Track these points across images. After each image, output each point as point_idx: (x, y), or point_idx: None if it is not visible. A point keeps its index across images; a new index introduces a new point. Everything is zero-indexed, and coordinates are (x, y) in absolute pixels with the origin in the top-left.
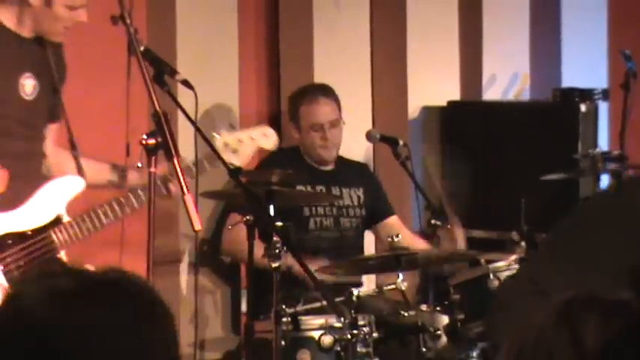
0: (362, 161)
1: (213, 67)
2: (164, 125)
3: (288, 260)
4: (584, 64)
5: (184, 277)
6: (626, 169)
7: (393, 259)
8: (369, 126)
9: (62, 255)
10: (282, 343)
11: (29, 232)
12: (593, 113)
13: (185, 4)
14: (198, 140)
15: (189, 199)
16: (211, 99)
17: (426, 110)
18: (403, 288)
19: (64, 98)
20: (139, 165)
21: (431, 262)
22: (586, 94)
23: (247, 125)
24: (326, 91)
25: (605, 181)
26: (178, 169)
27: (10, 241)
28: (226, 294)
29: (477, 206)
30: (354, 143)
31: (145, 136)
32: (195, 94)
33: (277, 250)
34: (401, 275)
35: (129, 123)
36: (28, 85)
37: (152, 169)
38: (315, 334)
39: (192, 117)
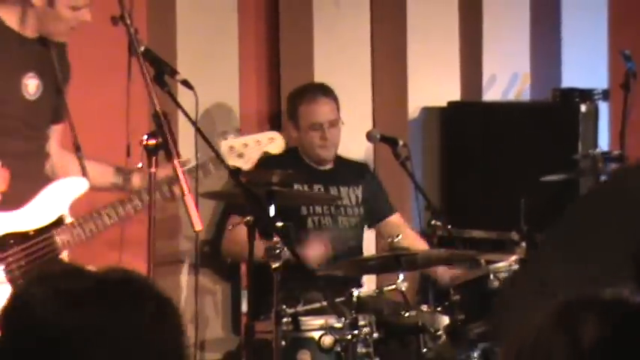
0: (362, 161)
1: (213, 68)
2: (164, 125)
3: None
4: (584, 65)
5: (185, 277)
6: None
7: (393, 260)
8: (369, 126)
9: (64, 256)
10: (283, 343)
11: (31, 232)
12: (594, 113)
13: (185, 5)
14: (198, 140)
15: (189, 199)
16: (211, 99)
17: (426, 110)
18: (403, 288)
19: (66, 98)
20: (140, 165)
21: (431, 262)
22: (586, 95)
23: (248, 125)
24: (325, 91)
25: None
26: (178, 170)
27: (11, 241)
28: (227, 294)
29: (476, 206)
30: (354, 143)
31: (145, 137)
32: (196, 95)
33: (277, 251)
34: (401, 276)
35: (129, 123)
36: (31, 85)
37: (152, 170)
38: (316, 335)
39: (193, 117)
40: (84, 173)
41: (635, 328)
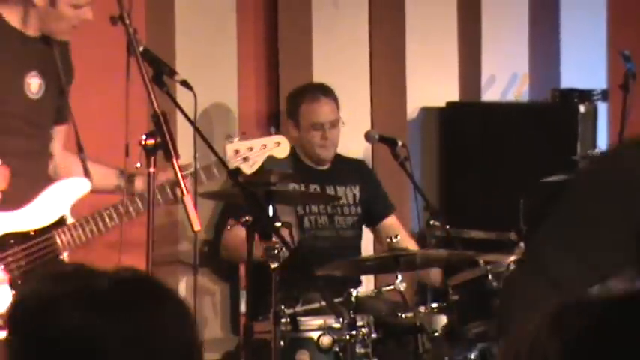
0: (360, 159)
1: (211, 68)
2: (163, 126)
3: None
4: (583, 65)
5: (183, 277)
6: None
7: (391, 260)
8: (367, 127)
9: (65, 256)
10: (281, 343)
11: (32, 233)
12: (592, 114)
13: (184, 5)
14: (197, 141)
15: (188, 199)
16: (210, 99)
17: (425, 111)
18: (402, 289)
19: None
20: (138, 165)
21: (430, 262)
22: (585, 95)
23: (246, 125)
24: (326, 91)
25: None
26: (177, 170)
27: (12, 241)
28: (225, 295)
29: (475, 207)
30: (353, 144)
31: (144, 137)
32: (195, 95)
33: (276, 251)
34: (400, 276)
35: (128, 123)
36: (33, 84)
37: (151, 170)
38: (314, 335)
39: (192, 117)
40: (87, 175)
41: (616, 328)
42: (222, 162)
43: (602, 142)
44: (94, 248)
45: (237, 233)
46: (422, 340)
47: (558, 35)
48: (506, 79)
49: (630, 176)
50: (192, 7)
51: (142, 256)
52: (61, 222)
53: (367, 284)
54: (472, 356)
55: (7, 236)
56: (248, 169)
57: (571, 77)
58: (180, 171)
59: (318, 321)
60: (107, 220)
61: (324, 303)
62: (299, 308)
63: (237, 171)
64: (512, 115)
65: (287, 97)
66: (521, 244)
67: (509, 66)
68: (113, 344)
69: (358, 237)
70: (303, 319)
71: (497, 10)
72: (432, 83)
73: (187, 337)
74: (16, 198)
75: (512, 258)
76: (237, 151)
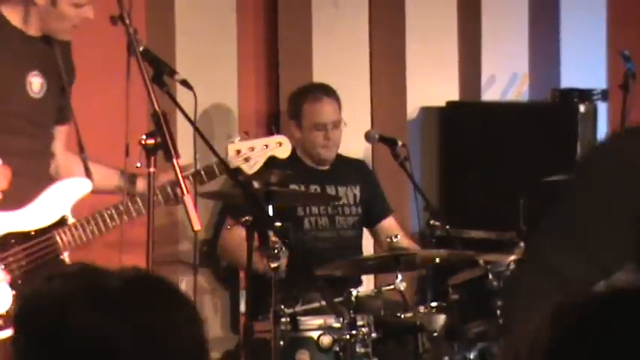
0: (360, 159)
1: (212, 68)
2: (163, 125)
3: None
4: (583, 65)
5: (183, 277)
6: None
7: (391, 260)
8: (367, 126)
9: (65, 257)
10: (281, 343)
11: (33, 232)
12: (592, 114)
13: (184, 5)
14: (197, 140)
15: (188, 199)
16: (210, 99)
17: (425, 111)
18: (402, 288)
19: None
20: (139, 165)
21: (430, 262)
22: (585, 95)
23: (246, 125)
24: (329, 91)
25: None
26: (177, 170)
27: (12, 241)
28: (225, 294)
29: (475, 207)
30: (353, 144)
31: (144, 137)
32: (195, 95)
33: (276, 251)
34: (400, 276)
35: (128, 123)
36: (35, 83)
37: (151, 169)
38: (314, 335)
39: (192, 117)
40: (88, 175)
41: (614, 325)
42: (222, 162)
43: None
44: (94, 248)
45: (234, 237)
46: (422, 340)
47: (558, 35)
48: (506, 79)
49: (630, 167)
50: (192, 7)
51: (143, 256)
52: (61, 222)
53: (367, 284)
54: (472, 356)
55: (8, 236)
56: (249, 169)
57: (571, 77)
58: (181, 171)
59: (318, 321)
60: (108, 220)
61: (324, 303)
62: (299, 308)
63: (237, 170)
64: (512, 115)
65: (289, 97)
66: (522, 244)
67: (509, 66)
68: (125, 344)
69: (359, 237)
70: (303, 318)
71: (498, 10)
72: (432, 83)
73: (198, 337)
74: (18, 197)
75: (513, 258)
76: (238, 151)
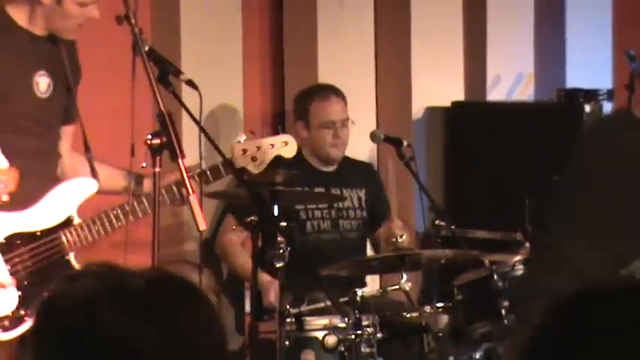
0: (367, 162)
1: (217, 68)
2: (169, 125)
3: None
4: (589, 65)
5: (189, 277)
6: None
7: (396, 260)
8: (373, 126)
9: (71, 257)
10: (286, 343)
11: (39, 233)
12: (598, 114)
13: (189, 5)
14: (202, 140)
15: (194, 199)
16: (215, 99)
17: (430, 111)
18: (407, 288)
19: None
20: (144, 165)
21: (435, 262)
22: (590, 95)
23: (251, 125)
24: (336, 91)
25: None
26: (183, 170)
27: (18, 241)
28: (230, 294)
29: (481, 207)
30: (358, 143)
31: (149, 136)
32: (200, 95)
33: (282, 250)
34: (405, 276)
35: (133, 123)
36: (42, 83)
37: (157, 169)
38: (319, 335)
39: (197, 117)
40: (94, 175)
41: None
42: (227, 161)
43: None
44: (99, 248)
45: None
46: (427, 340)
47: (564, 35)
48: (511, 79)
49: (632, 152)
50: (197, 7)
51: (148, 256)
52: (67, 222)
53: (372, 284)
54: (477, 356)
55: (14, 236)
56: (255, 169)
57: (576, 77)
58: (186, 171)
59: (323, 321)
60: (114, 220)
61: (329, 303)
62: (304, 308)
63: (243, 170)
64: (518, 115)
65: (295, 98)
66: (527, 244)
67: (514, 66)
68: (149, 344)
69: (363, 240)
70: (308, 318)
71: (503, 10)
72: (437, 83)
73: (220, 337)
74: (24, 198)
75: (518, 258)
76: (245, 151)
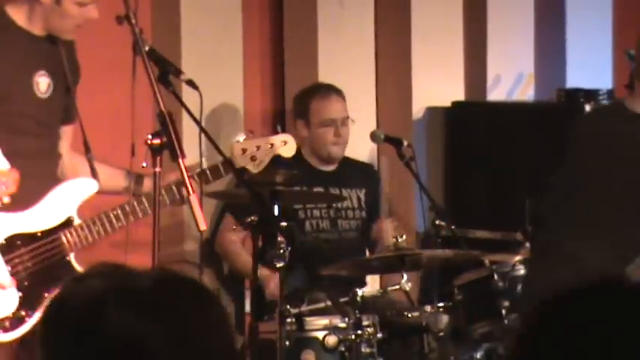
0: (368, 162)
1: (217, 67)
2: (169, 125)
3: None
4: (589, 65)
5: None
6: None
7: (397, 260)
8: (373, 126)
9: (71, 257)
10: (287, 343)
11: (39, 234)
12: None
13: (190, 4)
14: (202, 140)
15: (194, 199)
16: (216, 99)
17: (431, 111)
18: (407, 288)
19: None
20: (144, 165)
21: (435, 262)
22: (591, 95)
23: (251, 124)
24: (336, 90)
25: None
26: (183, 169)
27: (19, 242)
28: (230, 294)
29: (481, 207)
30: (359, 143)
31: (150, 136)
32: (200, 94)
33: (282, 250)
34: (405, 276)
35: (134, 123)
36: (42, 83)
37: (157, 169)
38: (320, 335)
39: (197, 117)
40: (94, 175)
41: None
42: (228, 161)
43: None
44: (99, 248)
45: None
46: (427, 340)
47: (564, 35)
48: (511, 79)
49: (630, 140)
50: (197, 7)
51: (148, 256)
52: (67, 223)
53: (372, 284)
54: (478, 356)
55: (14, 237)
56: (255, 168)
57: (577, 77)
58: (187, 171)
59: (323, 321)
60: (114, 220)
61: (329, 303)
62: (304, 308)
63: (243, 170)
64: (518, 115)
65: (294, 97)
66: (527, 244)
67: (514, 66)
68: (156, 344)
69: (362, 240)
70: (308, 318)
71: (503, 10)
72: (437, 83)
73: (229, 337)
74: (25, 198)
75: (518, 258)
76: (244, 150)
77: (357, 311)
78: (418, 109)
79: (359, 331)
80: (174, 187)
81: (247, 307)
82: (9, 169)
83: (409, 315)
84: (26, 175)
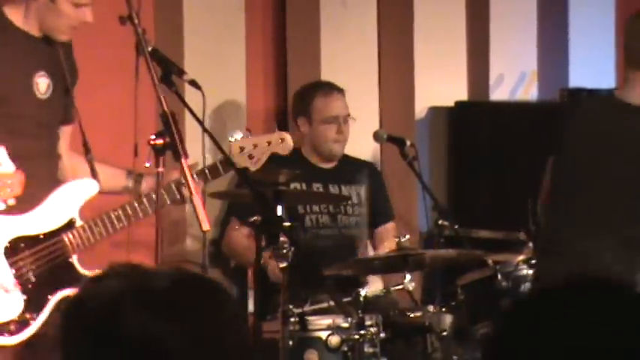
0: (369, 160)
1: (220, 67)
2: (172, 125)
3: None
4: (592, 64)
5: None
6: None
7: (400, 260)
8: (376, 126)
9: (74, 259)
10: (290, 343)
11: (42, 236)
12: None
13: (192, 4)
14: (205, 140)
15: (197, 199)
16: (219, 98)
17: (434, 110)
18: (410, 288)
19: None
20: (147, 165)
21: (438, 262)
22: (594, 94)
23: (254, 124)
24: (337, 87)
25: None
26: (186, 170)
27: (22, 245)
28: (233, 294)
29: (484, 206)
30: (362, 143)
31: (152, 136)
32: (203, 94)
33: (285, 250)
34: (408, 275)
35: (137, 123)
36: (42, 84)
37: (160, 169)
38: (323, 335)
39: (200, 117)
40: (94, 176)
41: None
42: (230, 161)
43: None
44: (101, 248)
45: (240, 236)
46: (430, 340)
47: (567, 34)
48: (514, 78)
49: (632, 134)
50: (200, 7)
51: (150, 256)
52: (69, 224)
53: (375, 284)
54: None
55: (18, 240)
56: (252, 166)
57: (579, 76)
58: (189, 170)
59: (326, 321)
60: (115, 221)
61: (332, 303)
62: (307, 308)
63: (246, 171)
64: (521, 114)
65: (295, 95)
66: (530, 243)
67: (517, 65)
68: (174, 343)
69: (362, 236)
70: (311, 318)
71: (506, 9)
72: (440, 82)
73: (245, 335)
74: (27, 200)
75: (522, 258)
76: (242, 149)
77: (360, 311)
78: (421, 109)
79: (362, 331)
80: (173, 187)
81: (250, 307)
82: (14, 171)
83: (412, 315)
84: (28, 177)
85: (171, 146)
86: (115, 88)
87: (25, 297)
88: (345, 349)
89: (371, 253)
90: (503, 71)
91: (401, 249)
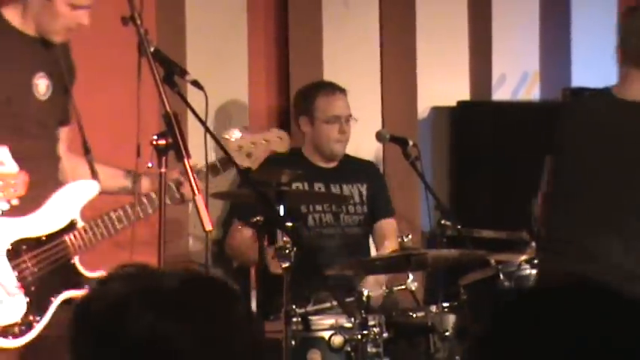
0: (369, 159)
1: (222, 67)
2: (174, 126)
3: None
4: (595, 64)
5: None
6: None
7: (402, 259)
8: (378, 126)
9: (76, 260)
10: (293, 343)
11: (43, 238)
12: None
13: (194, 5)
14: (208, 140)
15: (200, 199)
16: (221, 98)
17: (436, 110)
18: (413, 288)
19: (75, 99)
20: (150, 165)
21: (441, 262)
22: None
23: (257, 124)
24: (339, 87)
25: None
26: (189, 170)
27: (24, 247)
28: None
29: (486, 206)
30: (364, 143)
31: (155, 137)
32: (205, 95)
33: (287, 251)
34: (411, 275)
35: (139, 124)
36: (41, 85)
37: (163, 170)
38: (326, 335)
39: (202, 117)
40: (94, 176)
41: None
42: (233, 162)
43: None
44: (106, 249)
45: (243, 236)
46: (433, 340)
47: (569, 34)
48: (517, 78)
49: (633, 127)
50: (202, 7)
51: (153, 256)
52: (71, 226)
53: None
54: None
55: (20, 242)
56: (251, 165)
57: (582, 76)
58: (192, 171)
59: (329, 321)
60: (116, 222)
61: (335, 303)
62: (310, 308)
63: (249, 171)
64: (524, 114)
65: (297, 94)
66: (533, 243)
67: (520, 65)
68: (183, 344)
69: (365, 235)
70: (314, 318)
71: (508, 9)
72: (442, 82)
73: (255, 335)
74: (28, 201)
75: (524, 257)
76: (240, 147)
77: (363, 311)
78: (423, 109)
79: (365, 331)
80: (173, 186)
81: (253, 307)
82: (18, 172)
83: (415, 315)
84: (30, 177)
85: (174, 147)
86: (118, 89)
87: (27, 299)
88: (348, 349)
89: (373, 250)
90: (506, 71)
91: (403, 249)
